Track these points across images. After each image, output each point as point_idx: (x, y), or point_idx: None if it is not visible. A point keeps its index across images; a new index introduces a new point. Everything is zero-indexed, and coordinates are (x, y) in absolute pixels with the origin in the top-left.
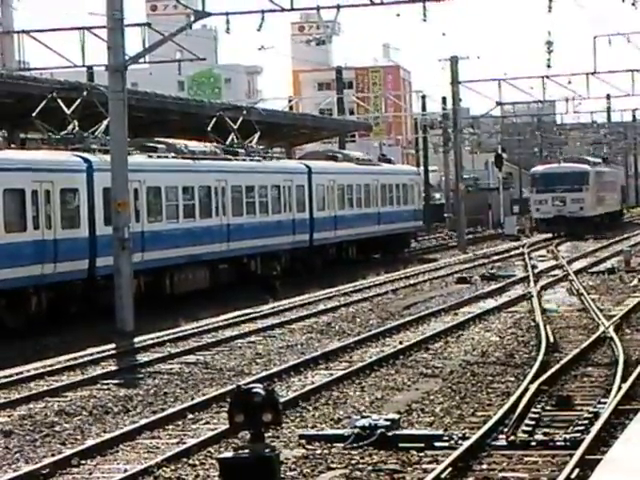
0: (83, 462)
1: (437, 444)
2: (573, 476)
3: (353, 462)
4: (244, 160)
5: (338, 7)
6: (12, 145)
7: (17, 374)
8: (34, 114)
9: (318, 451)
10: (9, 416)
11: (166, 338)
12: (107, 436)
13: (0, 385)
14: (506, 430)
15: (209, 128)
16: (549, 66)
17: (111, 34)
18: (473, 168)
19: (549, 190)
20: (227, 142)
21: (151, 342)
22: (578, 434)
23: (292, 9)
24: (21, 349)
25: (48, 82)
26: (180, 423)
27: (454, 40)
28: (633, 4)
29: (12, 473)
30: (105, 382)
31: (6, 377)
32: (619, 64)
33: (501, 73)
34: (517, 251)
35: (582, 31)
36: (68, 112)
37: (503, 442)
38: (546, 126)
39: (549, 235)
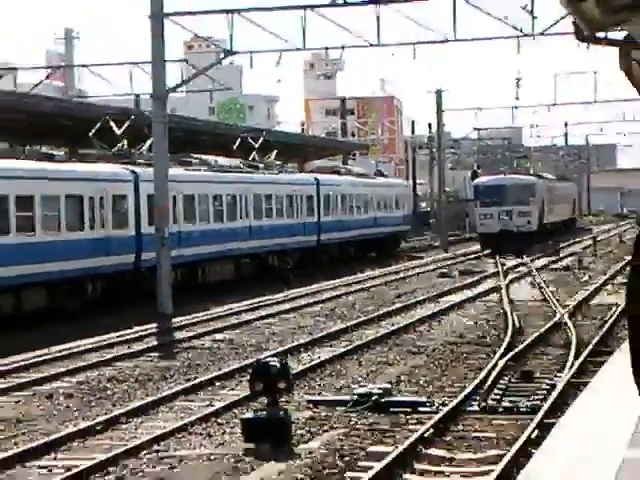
0: (130, 420)
1: (421, 409)
2: (533, 436)
3: (352, 423)
4: (263, 173)
5: (342, 47)
6: (73, 159)
7: (76, 347)
8: (91, 134)
9: (323, 413)
10: (69, 382)
11: (198, 319)
12: (149, 399)
13: (62, 357)
14: (478, 398)
15: (235, 146)
16: (517, 98)
17: (154, 68)
18: (453, 182)
19: (493, 203)
20: (249, 158)
21: (186, 322)
22: (538, 402)
23: (304, 49)
24: (79, 328)
25: (102, 108)
26: (209, 389)
27: (440, 74)
28: (587, 47)
29: (73, 428)
30: (148, 355)
31: (66, 350)
32: (575, 97)
33: (478, 103)
34: (489, 251)
35: (545, 68)
36: (119, 132)
37: (476, 408)
38: (514, 148)
39: None
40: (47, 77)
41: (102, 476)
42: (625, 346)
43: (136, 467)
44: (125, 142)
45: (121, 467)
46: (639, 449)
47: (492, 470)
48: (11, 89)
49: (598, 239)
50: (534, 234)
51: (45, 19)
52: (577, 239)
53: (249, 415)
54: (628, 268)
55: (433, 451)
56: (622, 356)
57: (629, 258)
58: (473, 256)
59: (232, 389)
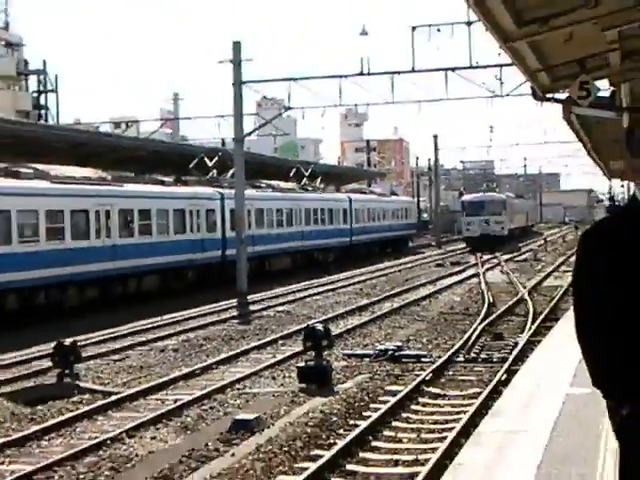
0: (218, 367)
1: (423, 360)
2: (503, 379)
3: (374, 370)
4: (311, 193)
5: (367, 104)
6: (178, 184)
7: (180, 316)
8: (191, 166)
9: (354, 363)
10: (176, 340)
11: (265, 296)
12: (232, 352)
13: (171, 323)
14: (463, 352)
15: (291, 174)
16: (491, 139)
17: (236, 119)
18: (446, 199)
19: (476, 214)
20: (301, 183)
21: (257, 299)
22: (506, 355)
23: (340, 105)
24: (182, 302)
25: (199, 147)
26: (274, 346)
27: (436, 122)
28: (541, 104)
29: (178, 372)
30: (231, 321)
31: (174, 318)
32: (532, 139)
33: (463, 143)
34: (471, 248)
35: (511, 119)
36: (210, 164)
37: (462, 359)
38: (488, 175)
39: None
40: (160, 126)
41: (199, 406)
42: (567, 315)
43: (223, 400)
44: (215, 171)
45: (212, 400)
46: (578, 387)
47: (474, 402)
48: (135, 135)
49: (548, 239)
50: (505, 237)
51: (159, 85)
52: (533, 240)
53: (302, 364)
54: (573, 259)
55: (432, 389)
56: (565, 322)
57: (570, 253)
58: (460, 252)
59: (290, 346)
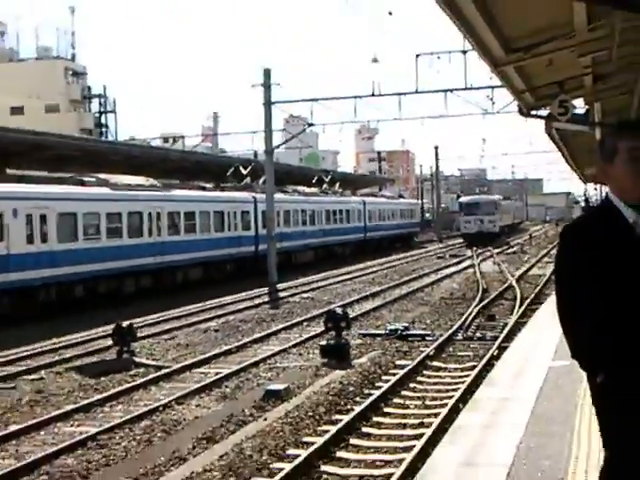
0: (252, 345)
1: (427, 338)
2: (495, 354)
3: (385, 347)
4: (331, 197)
5: (378, 120)
6: (217, 189)
7: (220, 302)
8: (228, 174)
9: (368, 341)
10: (217, 322)
11: (292, 285)
12: (264, 333)
13: (212, 307)
14: (462, 331)
15: (314, 181)
16: (483, 150)
17: (266, 134)
18: (446, 201)
19: (472, 213)
20: (322, 188)
21: (285, 287)
22: (497, 333)
23: (356, 121)
24: (222, 290)
25: (235, 158)
26: (300, 327)
27: (437, 135)
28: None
29: (218, 350)
30: (263, 306)
31: (215, 303)
32: (519, 149)
33: (460, 153)
34: (468, 243)
35: (501, 132)
36: (244, 173)
37: (460, 337)
38: (481, 181)
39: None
40: (202, 141)
41: (236, 378)
42: (549, 299)
43: (256, 373)
44: (248, 179)
45: (247, 372)
46: (559, 361)
47: (470, 374)
48: (181, 148)
49: (533, 235)
50: (497, 233)
51: (201, 105)
52: (520, 236)
53: (324, 342)
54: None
55: (434, 363)
56: (548, 306)
57: (551, 246)
58: (458, 246)
59: (313, 327)
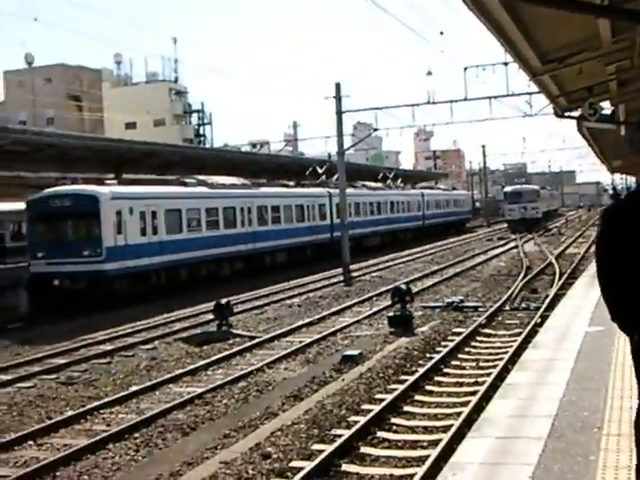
0: (330, 318)
1: (480, 309)
2: (538, 322)
3: (444, 317)
4: (393, 190)
5: (433, 124)
6: (298, 186)
7: (302, 282)
8: (307, 173)
9: (429, 312)
10: (299, 299)
11: (362, 266)
12: (339, 307)
13: (296, 286)
14: (509, 303)
15: (379, 177)
16: (524, 147)
17: (338, 138)
18: (492, 191)
19: (516, 202)
20: (386, 183)
21: (357, 268)
22: (540, 304)
23: (414, 126)
24: (303, 271)
25: (312, 159)
26: (370, 301)
27: (483, 135)
28: (560, 120)
29: (301, 322)
30: (338, 284)
31: (297, 283)
32: (555, 145)
33: (504, 149)
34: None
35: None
36: (320, 172)
37: (508, 308)
38: (522, 174)
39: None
40: (285, 146)
41: (318, 345)
42: (585, 274)
43: (334, 341)
44: (324, 177)
45: (326, 340)
46: (594, 327)
47: (517, 339)
48: (267, 152)
49: (568, 219)
50: (540, 219)
51: (284, 115)
52: (557, 220)
53: (391, 314)
54: (588, 233)
55: (486, 331)
56: (583, 279)
57: (584, 228)
58: (504, 230)
59: (382, 301)
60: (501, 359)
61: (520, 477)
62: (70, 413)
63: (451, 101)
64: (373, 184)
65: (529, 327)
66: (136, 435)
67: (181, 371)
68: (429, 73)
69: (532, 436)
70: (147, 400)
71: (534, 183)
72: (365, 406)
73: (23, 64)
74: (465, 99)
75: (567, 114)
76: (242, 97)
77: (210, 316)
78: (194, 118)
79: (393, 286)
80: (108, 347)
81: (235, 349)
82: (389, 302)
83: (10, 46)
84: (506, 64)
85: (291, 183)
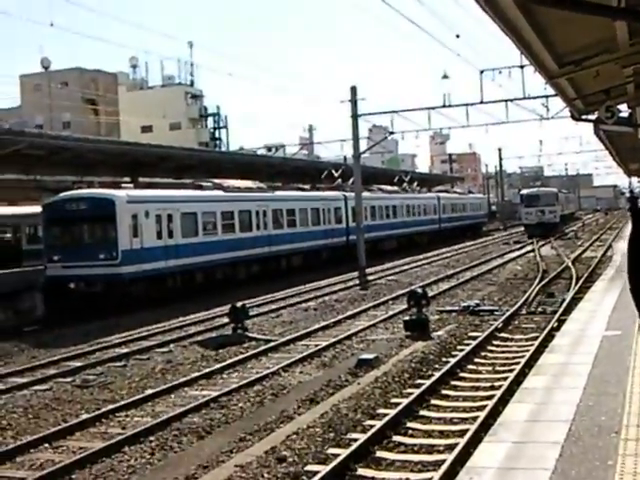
0: (346, 321)
1: (496, 313)
2: (555, 326)
3: (460, 321)
4: (409, 193)
5: (450, 128)
6: (313, 190)
7: (318, 285)
8: (322, 176)
9: (445, 316)
10: (315, 302)
11: (378, 269)
12: (355, 310)
13: (310, 290)
14: (525, 306)
15: (395, 180)
16: (541, 150)
17: (354, 142)
18: (508, 195)
19: (533, 205)
20: (402, 186)
21: (373, 271)
22: (556, 308)
23: (430, 129)
24: (319, 274)
25: (327, 163)
26: (386, 305)
27: (499, 139)
28: (577, 123)
29: (317, 325)
30: (354, 287)
31: (313, 285)
32: (571, 148)
33: (520, 153)
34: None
35: (556, 135)
36: (336, 175)
37: (524, 312)
38: (539, 177)
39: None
40: (300, 149)
41: (333, 349)
42: (602, 277)
43: (350, 345)
44: (339, 180)
45: (342, 344)
46: (611, 331)
47: (534, 343)
48: (282, 156)
49: (585, 223)
50: (558, 223)
51: (299, 118)
52: (574, 223)
53: (407, 318)
54: (604, 237)
55: (502, 335)
56: (600, 284)
57: (601, 232)
58: (521, 233)
59: (398, 305)
60: (517, 363)
61: None
62: (85, 416)
63: (467, 104)
64: (389, 187)
65: (546, 331)
66: (151, 438)
67: (196, 374)
68: (445, 76)
69: (549, 441)
70: (162, 403)
71: (551, 186)
72: (381, 410)
73: (39, 68)
74: (481, 102)
75: (584, 117)
76: (258, 100)
77: (225, 319)
78: (210, 122)
79: (409, 290)
80: (124, 350)
81: (250, 352)
82: (405, 306)
83: (27, 50)
84: (522, 67)
85: (307, 186)
